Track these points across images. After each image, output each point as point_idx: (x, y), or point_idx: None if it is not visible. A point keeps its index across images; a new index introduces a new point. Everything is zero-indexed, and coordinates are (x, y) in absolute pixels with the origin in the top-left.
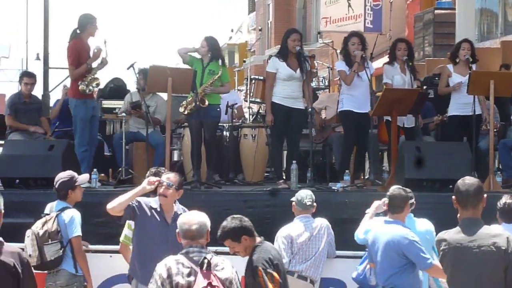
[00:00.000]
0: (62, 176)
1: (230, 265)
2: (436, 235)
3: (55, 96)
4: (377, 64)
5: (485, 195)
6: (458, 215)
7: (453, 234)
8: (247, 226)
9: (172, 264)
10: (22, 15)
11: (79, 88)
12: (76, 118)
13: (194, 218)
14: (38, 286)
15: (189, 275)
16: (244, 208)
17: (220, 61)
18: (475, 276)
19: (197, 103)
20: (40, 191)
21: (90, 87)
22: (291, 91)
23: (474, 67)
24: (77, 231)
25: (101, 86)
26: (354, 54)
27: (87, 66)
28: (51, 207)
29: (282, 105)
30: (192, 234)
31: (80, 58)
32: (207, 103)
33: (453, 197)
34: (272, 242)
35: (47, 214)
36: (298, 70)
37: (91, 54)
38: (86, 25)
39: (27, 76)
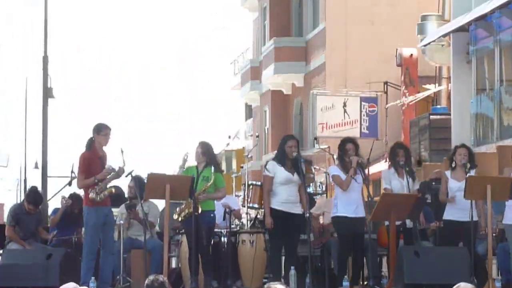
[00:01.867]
0: (69, 286)
1: None
2: None
3: (53, 205)
4: (373, 169)
5: None
6: None
7: None
8: None
9: None
10: (21, 124)
11: (89, 196)
12: (86, 225)
13: None
14: None
15: None
16: None
17: (212, 167)
18: None
19: (190, 210)
20: None
21: (101, 195)
22: (289, 195)
23: (472, 172)
24: None
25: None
26: (350, 159)
27: (94, 180)
28: None
29: (281, 210)
30: None
31: (90, 168)
32: (200, 210)
33: None
34: None
35: None
36: (295, 174)
37: (105, 161)
38: (97, 134)
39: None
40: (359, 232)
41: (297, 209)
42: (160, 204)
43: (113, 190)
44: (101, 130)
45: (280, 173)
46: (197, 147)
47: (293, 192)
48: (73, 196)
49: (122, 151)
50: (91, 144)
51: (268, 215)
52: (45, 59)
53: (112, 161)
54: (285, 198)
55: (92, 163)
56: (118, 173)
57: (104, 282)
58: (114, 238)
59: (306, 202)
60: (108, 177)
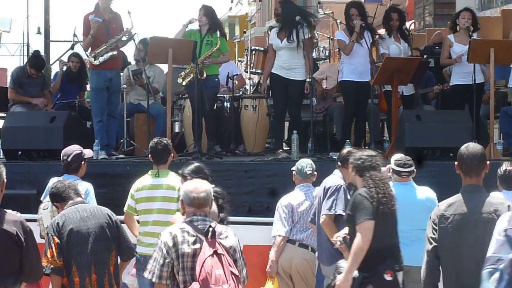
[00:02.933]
0: (74, 149)
1: (233, 234)
2: (439, 202)
3: (56, 69)
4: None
5: (488, 162)
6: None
7: (455, 202)
8: (54, 192)
9: (178, 232)
10: None
11: (88, 58)
12: (90, 89)
13: (201, 186)
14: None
15: (194, 243)
16: (245, 178)
17: (218, 32)
18: (477, 243)
19: (196, 74)
20: (42, 162)
21: (100, 58)
22: (283, 61)
23: (475, 35)
24: (94, 203)
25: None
26: (353, 24)
27: (90, 37)
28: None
29: (278, 75)
30: (200, 202)
31: (90, 29)
32: (205, 74)
33: (456, 163)
34: (274, 211)
35: None
36: (289, 40)
37: (114, 24)
38: None
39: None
40: (363, 96)
41: (295, 75)
42: (165, 68)
43: (115, 53)
44: None
45: (274, 40)
46: (200, 10)
47: (286, 58)
48: (72, 55)
49: (129, 13)
50: (96, 6)
51: (264, 80)
52: None
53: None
54: (279, 64)
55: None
56: (125, 34)
57: (107, 145)
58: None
59: (309, 66)
60: (112, 40)
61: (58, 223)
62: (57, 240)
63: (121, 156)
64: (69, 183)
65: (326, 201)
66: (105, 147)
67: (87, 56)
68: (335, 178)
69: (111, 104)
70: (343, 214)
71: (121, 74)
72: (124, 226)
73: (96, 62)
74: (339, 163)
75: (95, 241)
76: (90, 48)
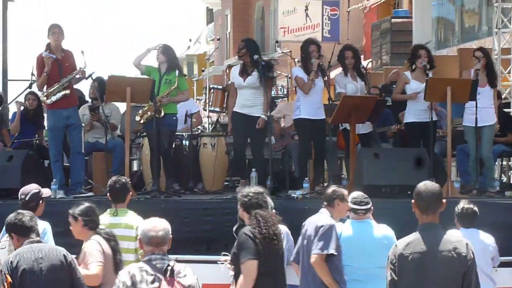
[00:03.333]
0: (32, 188)
1: (192, 272)
2: (397, 240)
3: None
4: (334, 73)
5: (444, 200)
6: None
7: (413, 240)
8: (17, 224)
9: (136, 271)
10: None
11: (41, 98)
12: (47, 128)
13: (159, 225)
14: None
15: (153, 282)
16: (204, 217)
17: (177, 71)
18: (439, 282)
19: (153, 113)
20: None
21: (53, 98)
22: (245, 99)
23: (430, 74)
24: (51, 242)
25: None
26: (311, 62)
27: (45, 74)
28: None
29: (240, 113)
30: (158, 241)
31: (44, 67)
32: (163, 113)
33: (413, 201)
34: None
35: None
36: (249, 78)
37: (66, 62)
38: (48, 35)
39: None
40: (320, 134)
41: (256, 112)
42: (122, 107)
43: (68, 92)
44: (49, 31)
45: (235, 78)
46: (158, 48)
47: (248, 96)
48: (29, 94)
49: (82, 52)
50: (47, 46)
51: (229, 120)
52: None
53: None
54: (241, 103)
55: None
56: (79, 73)
57: (76, 182)
58: None
59: (267, 103)
60: (64, 79)
61: (11, 262)
62: (9, 279)
63: (80, 195)
64: (34, 219)
65: (318, 240)
66: (74, 185)
67: (41, 96)
68: (325, 217)
69: (73, 141)
70: (335, 254)
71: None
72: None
73: (49, 101)
74: (324, 202)
75: (47, 282)
76: (45, 87)
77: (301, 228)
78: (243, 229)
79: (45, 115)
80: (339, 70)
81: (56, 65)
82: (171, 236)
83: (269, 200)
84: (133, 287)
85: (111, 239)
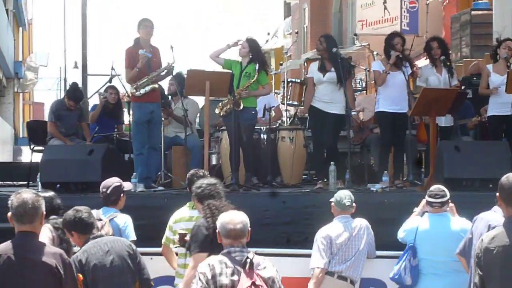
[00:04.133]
0: (113, 181)
1: (271, 264)
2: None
3: (93, 102)
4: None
5: None
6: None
7: (498, 233)
8: (77, 221)
9: (216, 263)
10: (60, 23)
11: (130, 91)
12: (132, 121)
13: (237, 217)
14: None
15: (232, 274)
16: (283, 209)
17: (257, 64)
18: None
19: (232, 106)
20: (81, 195)
21: (142, 90)
22: (322, 94)
23: None
24: (133, 235)
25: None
26: (390, 54)
27: (136, 70)
28: (97, 213)
29: (317, 108)
30: (236, 234)
31: (135, 62)
32: (242, 106)
33: (497, 194)
34: (313, 242)
35: (100, 220)
36: (329, 74)
37: (155, 57)
38: (138, 29)
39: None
40: (400, 127)
41: (333, 108)
42: (200, 101)
43: (156, 86)
44: (140, 25)
45: (314, 73)
46: (243, 41)
47: (326, 91)
48: (110, 88)
49: (172, 48)
50: (136, 40)
51: (305, 105)
52: None
53: (163, 58)
54: (319, 97)
55: (136, 57)
56: (167, 68)
57: (147, 177)
58: None
59: (347, 99)
60: (154, 73)
61: (80, 260)
62: (81, 277)
63: (159, 188)
64: (92, 215)
65: None
66: (144, 180)
67: (129, 88)
68: (498, 217)
69: (152, 137)
70: None
71: None
72: (161, 257)
73: (138, 94)
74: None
75: (120, 274)
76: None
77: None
78: (197, 221)
79: (124, 109)
80: (420, 62)
81: (146, 60)
82: (249, 228)
83: (222, 190)
84: (213, 279)
85: (59, 228)
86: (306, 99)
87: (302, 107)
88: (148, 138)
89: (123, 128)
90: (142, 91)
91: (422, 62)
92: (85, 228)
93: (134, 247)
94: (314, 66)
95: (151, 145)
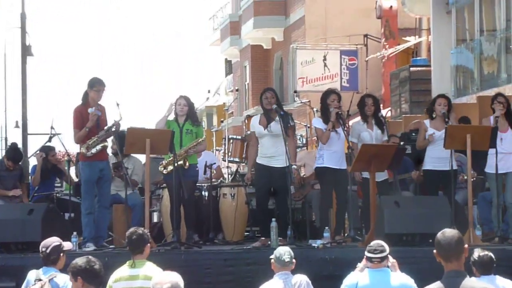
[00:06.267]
0: (53, 241)
1: None
2: None
3: (33, 162)
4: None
5: (466, 245)
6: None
7: None
8: (86, 269)
9: None
10: (0, 83)
11: (81, 150)
12: (81, 181)
13: (165, 280)
14: None
15: None
16: (224, 267)
17: (193, 121)
18: None
19: (179, 163)
20: (21, 255)
21: (93, 150)
22: (265, 148)
23: (452, 119)
24: None
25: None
26: (330, 111)
27: (86, 130)
28: (37, 273)
29: (261, 164)
30: None
31: (84, 121)
32: (187, 164)
33: (435, 251)
34: None
35: (40, 280)
36: (270, 127)
37: (102, 116)
38: (90, 88)
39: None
40: (343, 184)
41: (276, 162)
42: (142, 158)
43: (106, 145)
44: (94, 86)
45: (255, 127)
46: (180, 99)
47: (269, 145)
48: (44, 148)
49: (118, 104)
50: (85, 97)
51: (249, 169)
52: (23, 16)
53: (109, 115)
54: (263, 152)
55: (86, 116)
56: (114, 125)
57: (99, 236)
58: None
59: (289, 153)
60: (102, 132)
61: None
62: None
63: (110, 247)
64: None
65: None
66: (94, 239)
67: (81, 148)
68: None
69: (102, 195)
70: None
71: None
72: None
73: (89, 154)
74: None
75: None
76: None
77: (321, 278)
78: None
79: (65, 168)
80: (355, 119)
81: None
82: None
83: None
84: None
85: None
86: (249, 155)
87: (244, 163)
88: (98, 196)
89: (63, 187)
90: (94, 150)
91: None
92: (94, 279)
93: None
94: (255, 120)
95: (101, 204)
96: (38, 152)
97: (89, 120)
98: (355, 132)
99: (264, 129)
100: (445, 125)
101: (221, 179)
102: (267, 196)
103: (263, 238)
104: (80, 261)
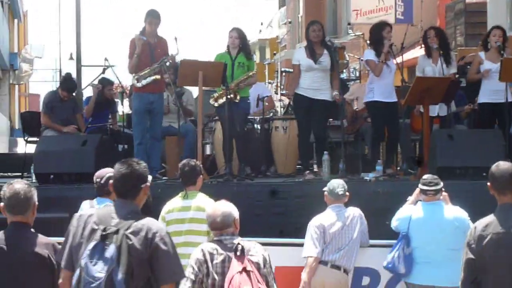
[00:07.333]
0: (107, 171)
1: (262, 249)
2: (474, 223)
3: (86, 94)
4: (408, 55)
5: None
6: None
7: (491, 221)
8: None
9: (208, 250)
10: (55, 15)
11: (132, 81)
12: (132, 111)
13: (218, 210)
14: None
15: (223, 260)
16: (276, 199)
17: (245, 53)
18: None
19: (229, 97)
20: (74, 186)
21: (143, 81)
22: (312, 82)
23: (506, 54)
24: None
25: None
26: (383, 43)
27: (135, 56)
28: (91, 204)
29: (304, 95)
30: (218, 226)
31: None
32: (238, 97)
33: (488, 183)
34: (305, 232)
35: None
36: (320, 60)
37: (160, 49)
38: (145, 21)
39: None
40: (394, 116)
41: (322, 95)
42: (194, 91)
43: (158, 77)
44: (146, 18)
45: (302, 60)
46: (232, 32)
47: (316, 79)
48: (103, 81)
49: (176, 39)
50: (143, 29)
51: (290, 90)
52: None
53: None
54: (308, 84)
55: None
56: (169, 59)
57: (152, 167)
58: None
59: (337, 87)
60: (156, 64)
61: None
62: None
63: (163, 178)
64: None
65: None
66: (149, 170)
67: (131, 79)
68: None
69: (153, 127)
70: None
71: None
72: None
73: (139, 85)
74: None
75: None
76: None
77: (373, 210)
78: None
79: (117, 100)
80: (413, 52)
81: (148, 50)
82: (236, 217)
83: None
84: (205, 264)
85: None
86: (291, 85)
87: None
88: (150, 128)
89: (117, 118)
90: (144, 82)
91: (417, 52)
92: None
93: None
94: (301, 53)
95: (152, 136)
96: (96, 83)
97: (144, 53)
98: (420, 66)
99: (315, 63)
100: (500, 57)
101: (273, 111)
102: (310, 128)
103: (309, 171)
104: None
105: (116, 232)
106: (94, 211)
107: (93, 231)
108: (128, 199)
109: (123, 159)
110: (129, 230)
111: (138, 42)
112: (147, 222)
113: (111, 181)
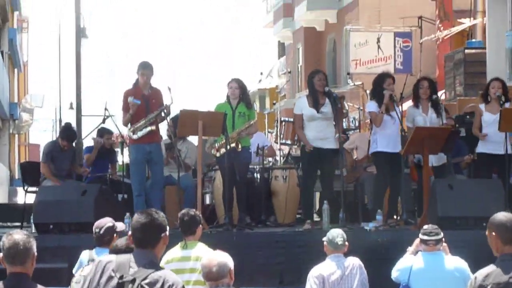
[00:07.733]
0: (106, 221)
1: None
2: (474, 273)
3: (86, 143)
4: (407, 105)
5: None
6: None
7: (492, 271)
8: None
9: None
10: (55, 65)
11: (127, 134)
12: (130, 163)
13: (213, 260)
14: None
15: None
16: (276, 249)
17: (245, 103)
18: None
19: (230, 146)
20: (74, 235)
21: (139, 133)
22: (316, 131)
23: (507, 105)
24: None
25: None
26: (383, 93)
27: (129, 116)
28: (90, 254)
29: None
30: (213, 276)
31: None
32: (240, 146)
33: (493, 233)
34: (305, 283)
35: (93, 261)
36: (323, 109)
37: (154, 100)
38: (137, 73)
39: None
40: (397, 167)
41: (328, 144)
42: (195, 140)
43: (153, 128)
44: (139, 70)
45: (305, 110)
46: (232, 82)
47: (320, 128)
48: (102, 130)
49: (169, 89)
50: (136, 81)
51: (306, 142)
52: None
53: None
54: (313, 135)
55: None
56: (164, 110)
57: None
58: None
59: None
60: (151, 115)
61: None
62: None
63: None
64: None
65: None
66: None
67: (126, 131)
68: None
69: (154, 176)
70: None
71: None
72: None
73: (135, 137)
74: None
75: None
76: (129, 124)
77: (373, 261)
78: None
79: (117, 150)
80: (408, 103)
81: (143, 101)
82: (231, 267)
83: None
84: None
85: None
86: (300, 134)
87: (296, 146)
88: (151, 178)
89: (116, 167)
90: (140, 133)
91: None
92: None
93: None
94: (303, 102)
95: (153, 185)
96: (96, 137)
97: (139, 106)
98: (410, 116)
99: (318, 112)
100: (499, 108)
101: (273, 160)
102: (315, 178)
103: (309, 221)
104: (119, 242)
105: (133, 281)
106: (113, 258)
107: (110, 278)
108: (147, 249)
109: (122, 209)
110: (146, 281)
111: (132, 106)
112: (164, 274)
113: (130, 232)
